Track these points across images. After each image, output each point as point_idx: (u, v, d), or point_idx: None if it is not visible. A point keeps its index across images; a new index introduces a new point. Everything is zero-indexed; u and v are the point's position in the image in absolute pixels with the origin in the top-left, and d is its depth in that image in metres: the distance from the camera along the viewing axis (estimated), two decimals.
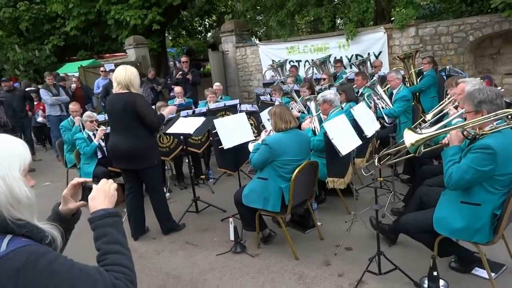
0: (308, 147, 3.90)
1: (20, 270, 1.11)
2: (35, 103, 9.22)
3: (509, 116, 2.61)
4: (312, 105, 5.08)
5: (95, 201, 1.47)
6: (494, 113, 2.60)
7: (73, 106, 6.26)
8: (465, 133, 2.71)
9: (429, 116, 4.12)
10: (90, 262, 1.31)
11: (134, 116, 3.92)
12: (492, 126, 2.66)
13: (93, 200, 1.47)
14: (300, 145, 3.72)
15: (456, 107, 3.57)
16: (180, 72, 8.90)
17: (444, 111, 3.76)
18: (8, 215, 1.18)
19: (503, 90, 3.92)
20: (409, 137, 2.83)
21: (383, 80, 6.46)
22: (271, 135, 3.75)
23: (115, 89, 4.02)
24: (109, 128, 5.13)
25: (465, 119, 2.87)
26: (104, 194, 1.49)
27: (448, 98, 4.09)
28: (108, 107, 4.16)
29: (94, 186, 1.52)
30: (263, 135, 4.05)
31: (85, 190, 1.57)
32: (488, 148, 2.54)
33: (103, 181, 1.55)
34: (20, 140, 1.33)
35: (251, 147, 4.00)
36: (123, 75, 3.92)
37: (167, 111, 4.47)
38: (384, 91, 5.73)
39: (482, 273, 3.06)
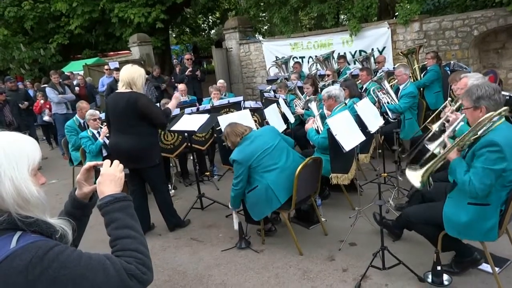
0: (272, 133, 3.87)
1: (29, 265, 1.12)
2: (41, 101, 9.31)
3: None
4: (313, 105, 5.08)
5: (102, 186, 1.45)
6: (490, 114, 2.58)
7: (85, 105, 6.33)
8: (457, 147, 2.73)
9: (435, 127, 4.06)
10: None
11: (137, 115, 3.91)
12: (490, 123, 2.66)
13: (100, 185, 1.45)
14: (263, 137, 3.72)
15: (458, 109, 3.53)
16: (190, 69, 8.94)
17: (444, 118, 3.65)
18: (17, 214, 1.19)
19: (499, 84, 3.87)
20: (413, 178, 2.79)
21: (388, 75, 6.45)
22: (233, 152, 3.72)
23: (119, 87, 4.02)
24: None
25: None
26: (110, 178, 1.46)
27: (450, 102, 3.95)
28: (109, 105, 4.12)
29: (101, 170, 1.50)
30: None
31: (97, 173, 1.55)
32: (494, 144, 2.51)
33: (107, 163, 1.52)
34: (30, 138, 1.32)
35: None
36: (126, 73, 3.92)
37: (172, 103, 4.40)
38: (390, 86, 5.72)
39: (486, 267, 3.06)
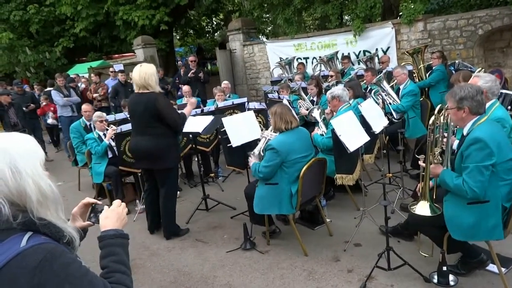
0: (310, 141, 3.90)
1: (37, 267, 1.15)
2: (44, 103, 9.39)
3: None
4: (316, 113, 5.08)
5: (108, 220, 1.52)
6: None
7: (85, 106, 6.40)
8: (436, 161, 2.81)
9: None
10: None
11: (156, 116, 3.93)
12: (472, 122, 2.72)
13: (106, 219, 1.52)
14: (303, 141, 3.73)
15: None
16: (193, 71, 8.96)
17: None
18: (35, 214, 1.23)
19: (504, 83, 3.84)
20: (422, 209, 2.82)
21: (390, 75, 6.44)
22: (274, 139, 3.73)
23: (136, 90, 4.02)
24: (119, 128, 5.21)
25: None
26: (117, 216, 1.54)
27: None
28: (129, 107, 4.18)
29: (106, 207, 1.59)
30: (266, 132, 4.05)
31: (92, 210, 1.64)
32: (478, 141, 2.56)
33: (117, 203, 1.60)
34: (31, 137, 1.37)
35: (250, 161, 3.93)
36: (137, 77, 3.91)
37: (187, 109, 4.39)
38: (391, 86, 5.71)
39: (493, 268, 3.04)
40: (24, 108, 8.62)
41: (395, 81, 5.74)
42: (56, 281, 1.16)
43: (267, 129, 5.67)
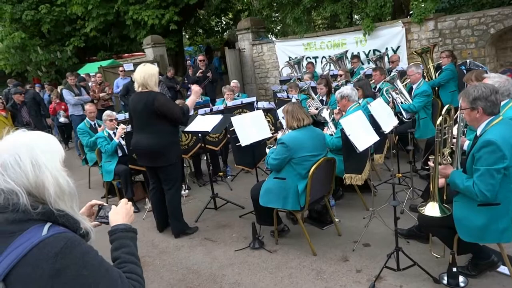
0: (323, 142, 3.91)
1: (59, 253, 1.21)
2: (58, 101, 9.50)
3: None
4: (325, 113, 5.06)
5: (118, 216, 1.62)
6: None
7: (89, 107, 6.46)
8: (444, 162, 2.79)
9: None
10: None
11: (155, 114, 3.99)
12: (486, 123, 2.67)
13: (116, 215, 1.63)
14: (315, 140, 3.73)
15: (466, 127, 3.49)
16: (201, 70, 8.99)
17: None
18: (53, 206, 1.30)
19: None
20: (431, 210, 2.80)
21: (402, 75, 6.40)
22: (286, 134, 3.77)
23: (136, 88, 4.12)
24: (129, 126, 5.25)
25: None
26: (126, 212, 1.65)
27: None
28: (130, 106, 4.25)
29: (113, 207, 1.68)
30: (280, 134, 4.08)
31: (100, 210, 1.74)
32: (490, 144, 2.52)
33: (125, 201, 1.71)
34: (53, 136, 1.45)
35: (268, 151, 4.00)
36: (138, 75, 4.03)
37: (192, 99, 4.41)
38: (403, 85, 5.67)
39: (504, 269, 3.01)
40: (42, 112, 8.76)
41: (408, 80, 5.70)
42: (75, 267, 1.23)
43: (276, 129, 5.71)
